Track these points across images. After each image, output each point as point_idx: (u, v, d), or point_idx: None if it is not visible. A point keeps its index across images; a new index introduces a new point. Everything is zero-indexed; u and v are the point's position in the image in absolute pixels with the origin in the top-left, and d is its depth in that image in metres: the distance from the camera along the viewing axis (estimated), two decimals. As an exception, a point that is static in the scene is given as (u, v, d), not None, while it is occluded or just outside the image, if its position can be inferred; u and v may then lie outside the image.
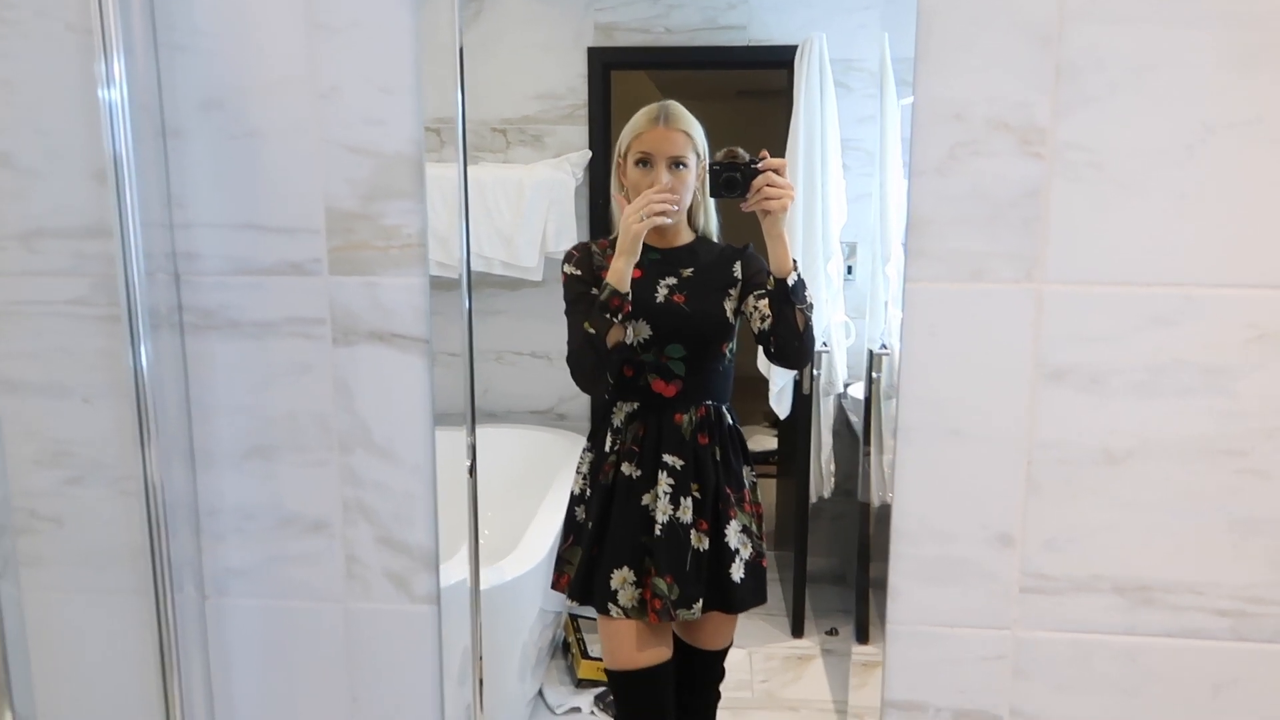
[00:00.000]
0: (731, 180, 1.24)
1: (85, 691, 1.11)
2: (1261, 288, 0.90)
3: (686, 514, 1.39)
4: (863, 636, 1.51)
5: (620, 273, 1.31)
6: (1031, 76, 0.89)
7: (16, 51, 0.97)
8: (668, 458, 1.40)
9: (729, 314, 1.40)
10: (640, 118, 1.39)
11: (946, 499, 0.96)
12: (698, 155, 1.39)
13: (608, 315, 1.32)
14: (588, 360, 1.35)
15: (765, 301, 1.34)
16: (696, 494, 1.40)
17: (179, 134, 0.98)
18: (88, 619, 1.09)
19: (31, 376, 1.04)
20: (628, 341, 1.35)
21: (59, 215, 1.00)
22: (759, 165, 1.23)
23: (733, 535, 1.42)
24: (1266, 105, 0.87)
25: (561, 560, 1.48)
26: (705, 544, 1.40)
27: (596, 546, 1.43)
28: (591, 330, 1.33)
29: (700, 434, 1.41)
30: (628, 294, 1.31)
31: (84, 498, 1.06)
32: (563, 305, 1.42)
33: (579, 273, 1.42)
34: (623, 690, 1.45)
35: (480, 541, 1.10)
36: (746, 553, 1.43)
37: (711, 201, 1.45)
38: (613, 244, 1.44)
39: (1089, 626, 0.97)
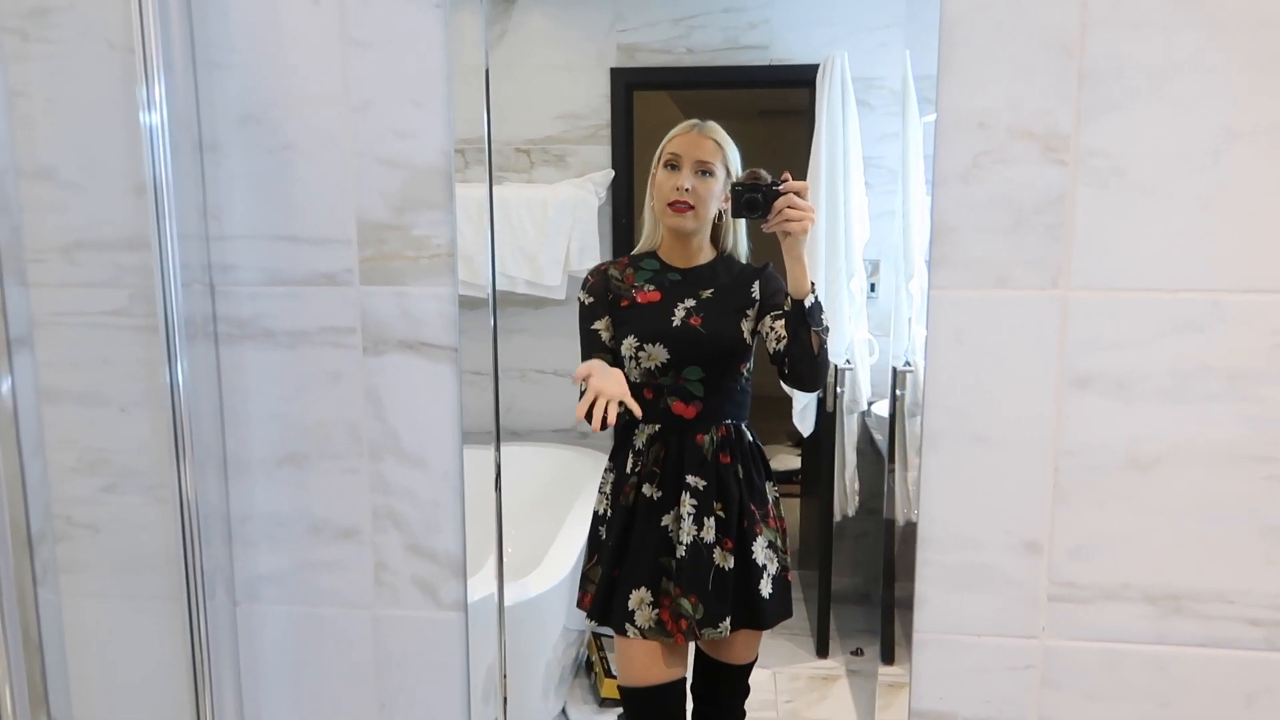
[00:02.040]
0: (753, 201, 1.26)
1: (119, 696, 1.13)
2: (1288, 293, 0.90)
3: (710, 534, 1.39)
4: (888, 657, 1.49)
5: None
6: (1054, 84, 0.89)
7: (60, 69, 1.00)
8: (690, 478, 1.40)
9: (745, 335, 1.41)
10: (678, 126, 1.42)
11: (972, 506, 0.96)
12: (727, 171, 1.41)
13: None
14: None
15: (781, 323, 1.34)
16: (720, 513, 1.40)
17: (216, 148, 1.01)
18: (122, 624, 1.11)
19: (71, 385, 1.06)
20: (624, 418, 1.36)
21: (98, 228, 1.03)
22: (781, 187, 1.25)
23: (759, 551, 1.41)
24: (1289, 111, 0.88)
25: (585, 579, 1.48)
26: (730, 562, 1.40)
27: (617, 568, 1.43)
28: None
29: (722, 453, 1.42)
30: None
31: (120, 505, 1.08)
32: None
33: (592, 299, 1.44)
34: (634, 707, 1.45)
35: (504, 558, 1.11)
36: (773, 568, 1.43)
37: (740, 222, 1.47)
38: (632, 262, 1.45)
39: (1118, 635, 0.96)
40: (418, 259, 1.00)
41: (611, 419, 1.25)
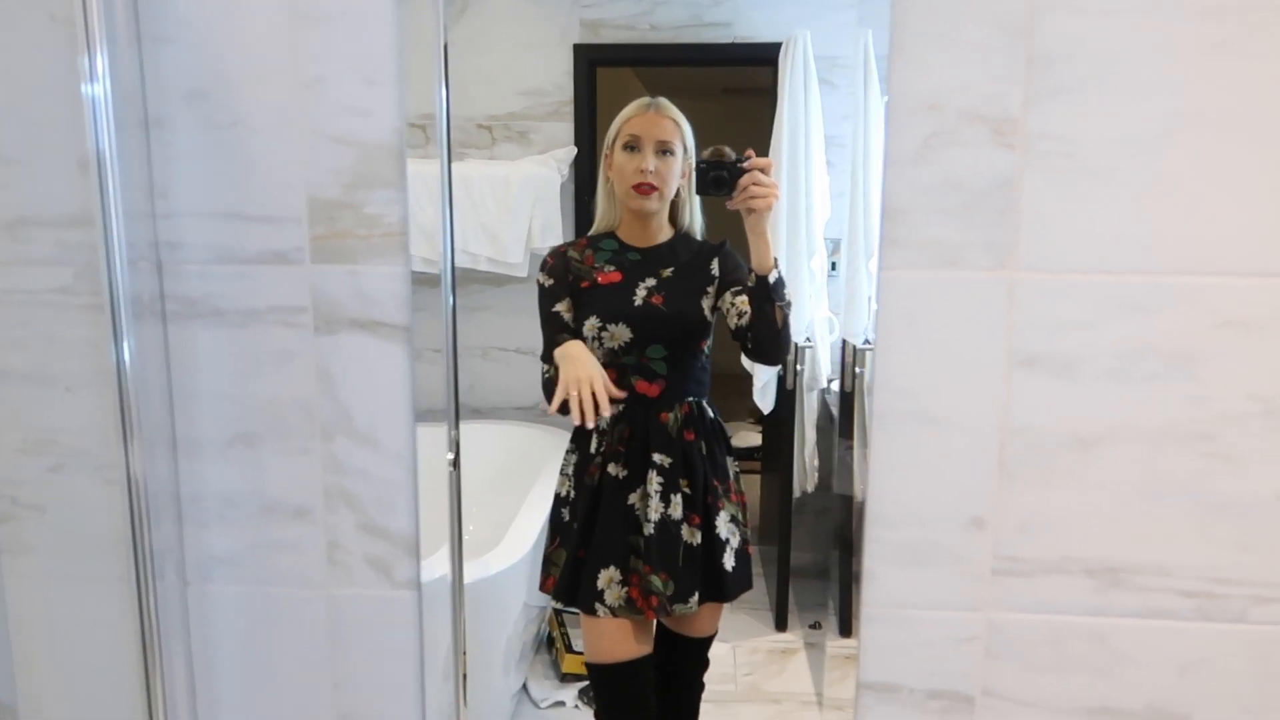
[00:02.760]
0: (719, 179, 1.26)
1: (67, 679, 1.11)
2: (1228, 275, 0.92)
3: (677, 510, 1.40)
4: (846, 630, 1.52)
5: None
6: (1004, 67, 0.90)
7: (0, 42, 0.97)
8: (657, 456, 1.41)
9: (706, 312, 1.41)
10: (631, 106, 1.41)
11: (920, 483, 0.97)
12: (684, 149, 1.41)
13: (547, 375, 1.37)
14: (546, 397, 1.38)
15: (743, 298, 1.35)
16: (686, 490, 1.41)
17: (162, 124, 0.99)
18: (70, 607, 1.10)
19: (15, 365, 1.04)
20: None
21: (43, 204, 1.00)
22: (745, 164, 1.25)
23: (723, 526, 1.43)
24: (1234, 95, 0.89)
25: (548, 562, 1.49)
26: (697, 538, 1.41)
27: (583, 548, 1.44)
28: (545, 381, 1.38)
29: (686, 430, 1.42)
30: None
31: (66, 485, 1.06)
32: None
33: (552, 281, 1.43)
34: (603, 683, 1.46)
35: (465, 536, 1.11)
36: (735, 541, 1.45)
37: (696, 199, 1.47)
38: (591, 243, 1.45)
39: (1060, 608, 0.99)
40: (370, 237, 0.99)
41: (605, 409, 1.26)
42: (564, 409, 1.29)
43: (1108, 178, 0.91)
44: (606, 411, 1.27)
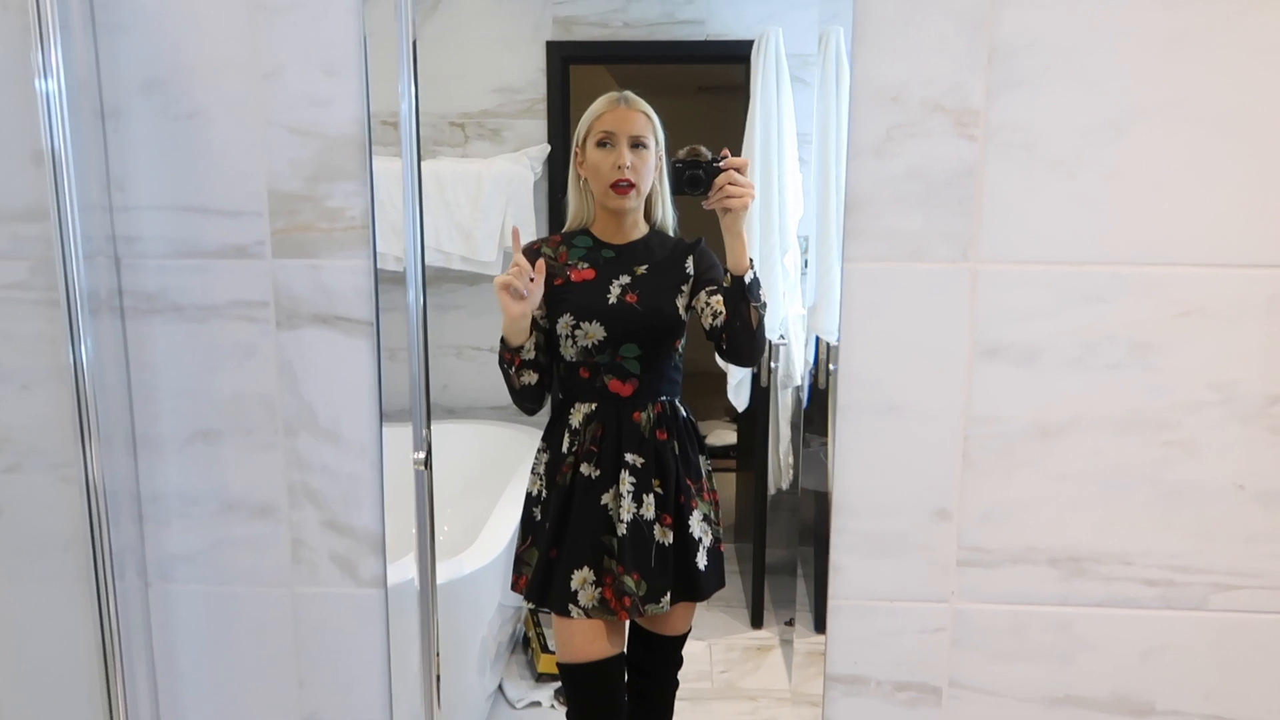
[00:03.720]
0: (695, 178, 1.25)
1: (26, 681, 1.10)
2: (1185, 265, 0.93)
3: (649, 510, 1.39)
4: (820, 626, 1.52)
5: (509, 331, 1.33)
6: (965, 59, 0.91)
7: (-49, 31, 0.96)
8: (629, 456, 1.40)
9: (681, 311, 1.41)
10: (600, 102, 1.40)
11: (885, 474, 0.97)
12: (656, 141, 1.40)
13: (504, 366, 1.34)
14: (509, 391, 1.38)
15: (718, 298, 1.34)
16: (658, 490, 1.40)
17: (118, 115, 0.97)
18: (28, 608, 1.08)
19: (-32, 362, 1.03)
20: (531, 384, 1.37)
21: (-5, 197, 0.99)
22: (721, 163, 1.24)
23: (696, 525, 1.42)
24: (1191, 88, 0.90)
25: (520, 561, 1.48)
26: (670, 538, 1.41)
27: (555, 549, 1.42)
28: (502, 370, 1.36)
29: (659, 430, 1.42)
30: (520, 348, 1.33)
31: (23, 485, 1.05)
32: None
33: None
34: (574, 683, 1.45)
35: (439, 536, 1.10)
36: (708, 540, 1.44)
37: (669, 197, 1.46)
38: (565, 239, 1.44)
39: (1024, 598, 0.99)
40: (331, 231, 0.98)
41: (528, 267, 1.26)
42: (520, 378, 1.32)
43: (1068, 168, 0.92)
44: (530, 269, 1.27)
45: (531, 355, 1.35)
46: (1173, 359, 0.94)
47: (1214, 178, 0.91)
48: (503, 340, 1.34)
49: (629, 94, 1.40)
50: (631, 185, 1.38)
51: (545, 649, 1.78)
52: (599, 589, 1.39)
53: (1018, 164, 0.92)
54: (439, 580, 1.10)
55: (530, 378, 1.36)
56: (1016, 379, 0.95)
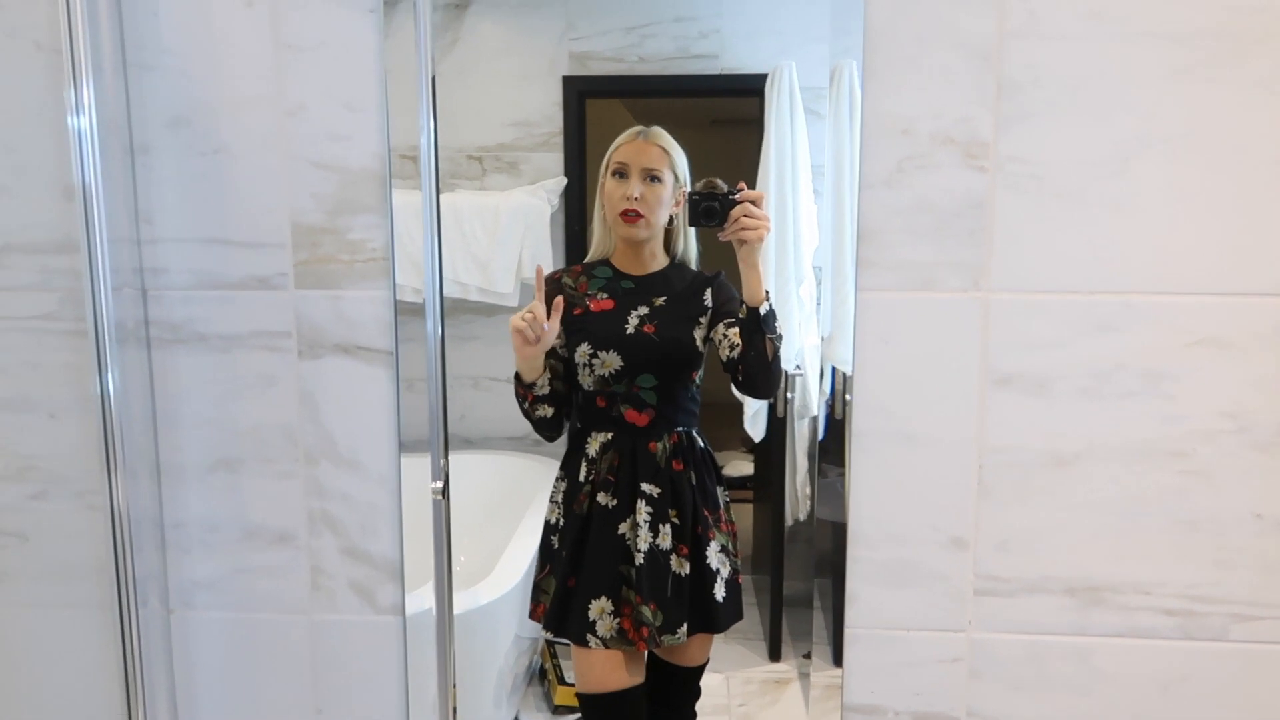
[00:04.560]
0: (710, 209, 1.26)
1: (49, 706, 1.11)
2: (1197, 294, 0.93)
3: (666, 540, 1.39)
4: (838, 659, 1.50)
5: (523, 369, 1.34)
6: (974, 92, 0.92)
7: (-13, 71, 0.99)
8: (645, 486, 1.40)
9: (698, 342, 1.42)
10: (623, 135, 1.42)
11: (900, 503, 0.98)
12: (675, 177, 1.42)
13: (518, 400, 1.36)
14: (529, 420, 1.39)
15: (735, 330, 1.35)
16: (675, 520, 1.40)
17: (147, 151, 1.00)
18: (51, 634, 1.09)
19: (-2, 391, 1.05)
20: (547, 417, 1.38)
21: (26, 231, 1.01)
22: (737, 196, 1.26)
23: (713, 556, 1.42)
24: (1197, 119, 0.91)
25: (538, 589, 1.48)
26: (686, 568, 1.40)
27: (573, 578, 1.42)
28: (518, 403, 1.38)
29: (675, 460, 1.42)
30: (533, 384, 1.34)
31: (49, 512, 1.06)
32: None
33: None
34: (594, 714, 1.44)
35: (456, 566, 1.10)
36: (726, 571, 1.43)
37: (691, 230, 1.48)
38: (585, 270, 1.46)
39: (1041, 628, 0.98)
40: (353, 262, 1.00)
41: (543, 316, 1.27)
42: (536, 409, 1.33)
43: (1077, 199, 0.92)
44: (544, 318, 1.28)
45: (545, 390, 1.36)
46: (1186, 387, 0.94)
47: (1223, 207, 0.92)
48: (517, 375, 1.35)
49: (655, 129, 1.42)
50: (640, 216, 1.40)
51: (561, 681, 1.78)
52: (617, 619, 1.39)
53: (1027, 195, 0.93)
54: (455, 610, 1.10)
55: (545, 411, 1.37)
56: (1030, 408, 0.95)
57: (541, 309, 1.29)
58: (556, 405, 1.38)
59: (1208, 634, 0.97)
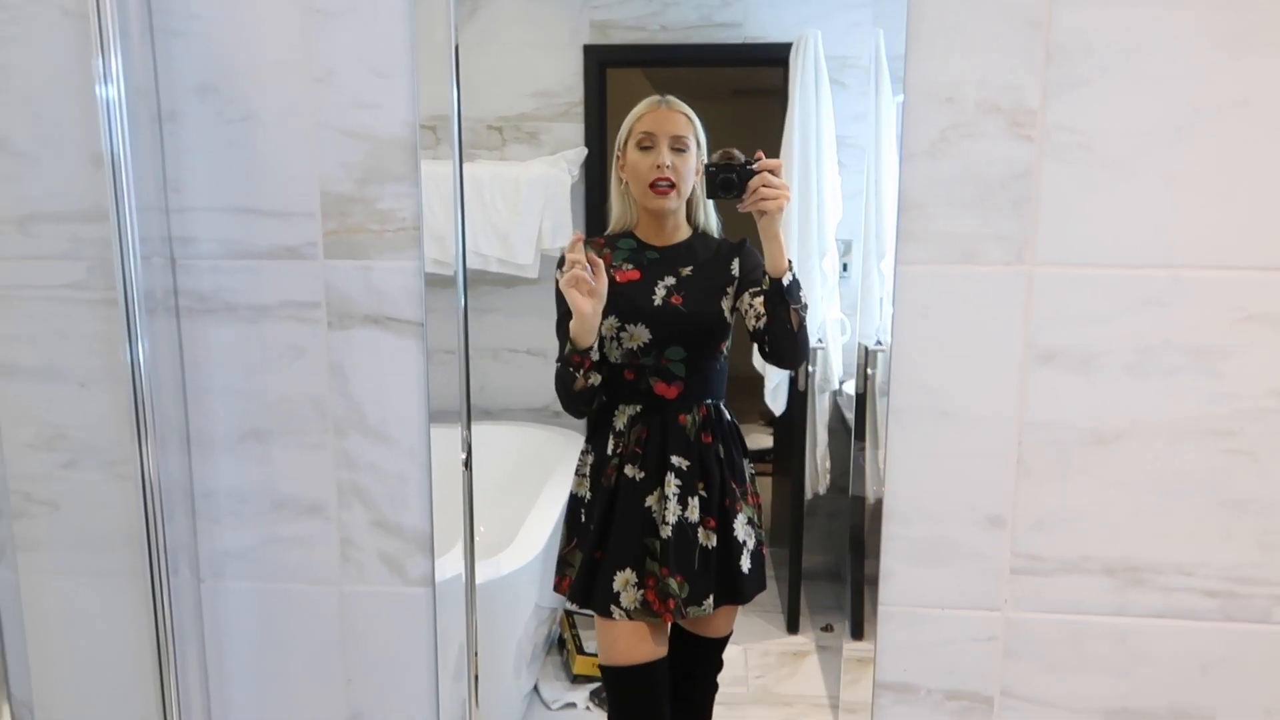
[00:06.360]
0: (728, 181, 1.25)
1: (81, 674, 1.11)
2: (1249, 269, 0.90)
3: (694, 513, 1.39)
4: (858, 632, 1.51)
5: (579, 333, 1.31)
6: (1021, 59, 0.89)
7: (13, 37, 0.98)
8: (675, 459, 1.39)
9: (726, 313, 1.40)
10: (641, 104, 1.40)
11: (937, 480, 0.96)
12: (698, 144, 1.40)
13: (570, 369, 1.33)
14: (560, 393, 1.37)
15: (761, 299, 1.34)
16: (703, 493, 1.40)
17: (175, 118, 0.99)
18: (83, 603, 1.09)
19: (27, 360, 1.04)
20: (596, 385, 1.36)
21: (55, 199, 1.00)
22: (754, 166, 1.24)
23: (740, 528, 1.42)
24: (1253, 87, 0.88)
25: (563, 562, 1.48)
26: (713, 541, 1.40)
27: (600, 550, 1.42)
28: (561, 372, 1.35)
29: (704, 433, 1.41)
30: (589, 349, 1.32)
31: (80, 481, 1.06)
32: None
33: None
34: (617, 686, 1.45)
35: (476, 537, 1.10)
36: (752, 543, 1.43)
37: (709, 201, 1.46)
38: (609, 241, 1.44)
39: (1079, 607, 0.97)
40: (382, 232, 0.99)
41: (581, 256, 1.25)
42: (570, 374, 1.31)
43: (1127, 170, 0.90)
44: (581, 258, 1.26)
45: (599, 355, 1.34)
46: (1234, 365, 0.92)
47: (1277, 179, 0.89)
48: (571, 343, 1.33)
49: (670, 97, 1.40)
50: (672, 185, 1.38)
51: (581, 651, 1.79)
52: (641, 590, 1.39)
53: (1075, 165, 0.90)
54: (477, 580, 1.10)
55: (596, 378, 1.35)
56: (1072, 384, 0.93)
57: (582, 254, 1.27)
58: (603, 373, 1.37)
59: (1250, 616, 0.96)
